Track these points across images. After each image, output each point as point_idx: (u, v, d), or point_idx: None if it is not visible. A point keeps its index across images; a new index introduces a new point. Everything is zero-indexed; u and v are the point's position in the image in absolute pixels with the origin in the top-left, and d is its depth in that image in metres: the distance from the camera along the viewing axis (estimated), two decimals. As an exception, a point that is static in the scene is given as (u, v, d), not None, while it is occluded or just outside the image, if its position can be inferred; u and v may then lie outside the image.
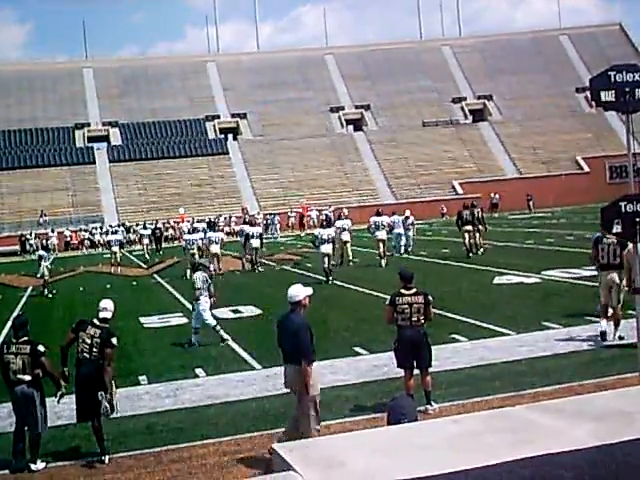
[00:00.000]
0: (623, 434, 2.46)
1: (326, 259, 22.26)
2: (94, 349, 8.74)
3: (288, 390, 8.38)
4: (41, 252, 28.36)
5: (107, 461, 8.56)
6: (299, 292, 8.07)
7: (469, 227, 26.69)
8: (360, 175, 62.80)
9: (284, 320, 8.16)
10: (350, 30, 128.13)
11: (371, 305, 17.03)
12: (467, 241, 26.46)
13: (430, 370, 9.60)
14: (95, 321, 8.98)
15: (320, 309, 18.00)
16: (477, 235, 27.07)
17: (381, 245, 25.77)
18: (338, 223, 26.52)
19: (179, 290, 23.07)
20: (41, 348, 8.81)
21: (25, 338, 8.86)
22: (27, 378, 8.65)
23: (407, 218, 29.89)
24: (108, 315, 9.07)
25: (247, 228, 28.02)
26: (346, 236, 26.02)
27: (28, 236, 50.45)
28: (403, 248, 29.02)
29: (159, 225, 47.37)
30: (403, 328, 9.49)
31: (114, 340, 8.85)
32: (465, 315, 14.99)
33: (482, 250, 27.04)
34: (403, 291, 9.57)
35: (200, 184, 60.79)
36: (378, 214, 26.95)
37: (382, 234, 25.96)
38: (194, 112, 67.54)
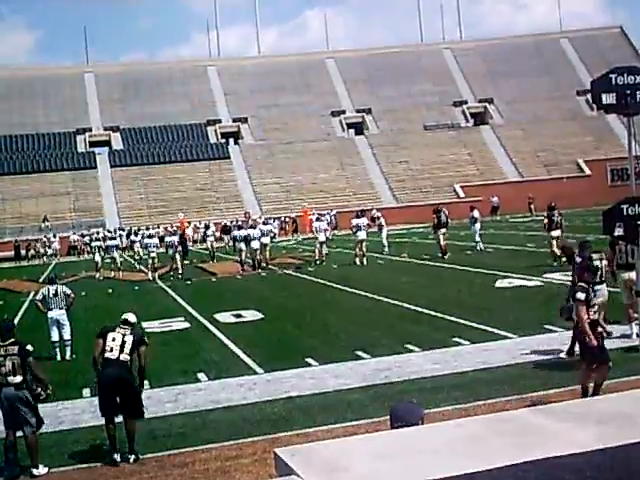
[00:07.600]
0: (626, 437, 2.46)
1: (242, 253, 28.64)
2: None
3: None
4: (110, 242, 33.83)
5: (132, 461, 8.65)
6: None
7: (445, 229, 28.12)
8: (361, 179, 62.80)
9: None
10: (353, 34, 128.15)
11: (372, 309, 17.00)
12: (442, 242, 27.64)
13: (433, 373, 9.57)
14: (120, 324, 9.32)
15: (321, 313, 18.02)
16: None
17: (363, 245, 27.43)
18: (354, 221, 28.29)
19: (181, 295, 23.08)
20: (29, 347, 8.76)
21: (12, 340, 8.81)
22: (17, 380, 8.58)
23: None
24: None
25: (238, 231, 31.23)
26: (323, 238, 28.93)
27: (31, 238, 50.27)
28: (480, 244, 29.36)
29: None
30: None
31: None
32: (467, 318, 14.97)
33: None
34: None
35: (202, 188, 60.82)
36: (358, 216, 28.96)
37: (362, 234, 27.60)
38: (195, 117, 67.59)
